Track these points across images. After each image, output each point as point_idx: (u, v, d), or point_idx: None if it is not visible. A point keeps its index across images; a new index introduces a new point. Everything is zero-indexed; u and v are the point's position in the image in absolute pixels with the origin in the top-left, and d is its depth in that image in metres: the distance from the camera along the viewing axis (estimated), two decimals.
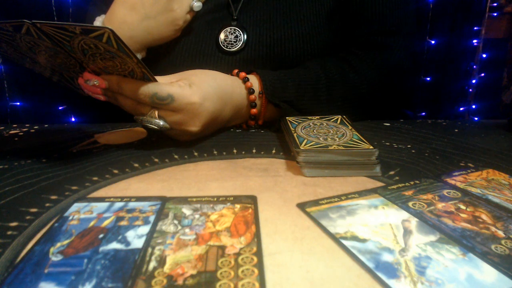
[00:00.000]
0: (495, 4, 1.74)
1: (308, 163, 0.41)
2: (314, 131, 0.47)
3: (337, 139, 0.44)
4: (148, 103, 0.44)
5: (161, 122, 0.45)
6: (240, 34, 0.61)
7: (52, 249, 0.27)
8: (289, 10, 0.62)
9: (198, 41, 0.62)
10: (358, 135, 0.45)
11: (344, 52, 0.63)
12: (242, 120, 0.58)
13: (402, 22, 0.64)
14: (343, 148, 0.41)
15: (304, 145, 0.42)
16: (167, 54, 0.62)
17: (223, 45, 0.61)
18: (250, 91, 0.55)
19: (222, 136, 0.54)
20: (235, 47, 0.61)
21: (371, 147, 0.41)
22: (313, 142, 0.43)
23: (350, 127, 0.48)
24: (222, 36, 0.62)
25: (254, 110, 0.56)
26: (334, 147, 0.41)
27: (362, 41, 0.63)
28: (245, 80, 0.55)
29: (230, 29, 0.62)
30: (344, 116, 0.52)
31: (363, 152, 0.41)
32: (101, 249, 0.27)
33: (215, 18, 0.63)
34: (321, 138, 0.44)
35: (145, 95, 0.43)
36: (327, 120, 0.51)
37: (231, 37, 0.61)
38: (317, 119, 0.52)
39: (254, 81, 0.56)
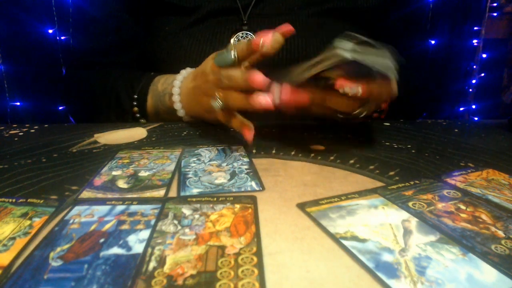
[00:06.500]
0: (495, 4, 1.74)
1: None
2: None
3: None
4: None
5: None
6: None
7: (52, 254, 0.27)
8: None
9: (211, 49, 0.62)
10: None
11: None
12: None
13: None
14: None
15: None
16: (178, 62, 0.62)
17: None
18: None
19: (222, 136, 0.54)
20: None
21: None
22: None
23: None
24: (234, 41, 0.61)
25: None
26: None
27: None
28: None
29: (242, 33, 0.62)
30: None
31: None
32: (102, 254, 0.27)
33: (225, 23, 0.63)
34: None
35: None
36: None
37: None
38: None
39: None
